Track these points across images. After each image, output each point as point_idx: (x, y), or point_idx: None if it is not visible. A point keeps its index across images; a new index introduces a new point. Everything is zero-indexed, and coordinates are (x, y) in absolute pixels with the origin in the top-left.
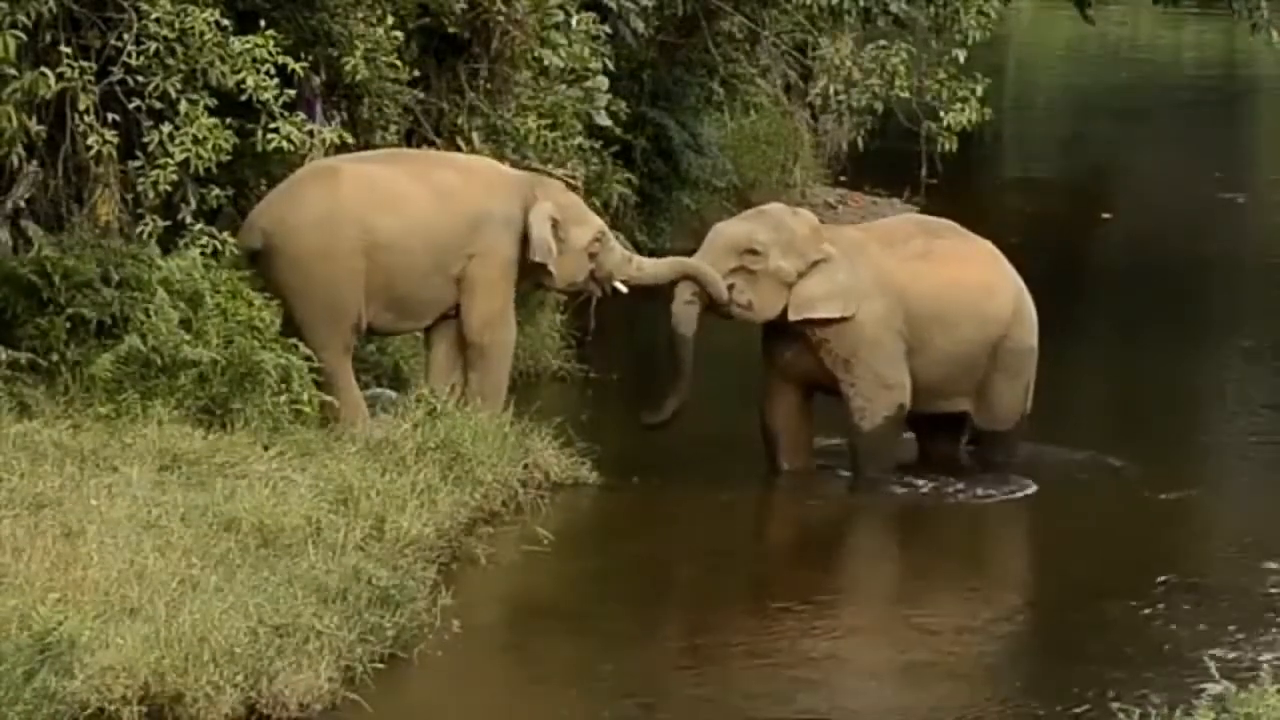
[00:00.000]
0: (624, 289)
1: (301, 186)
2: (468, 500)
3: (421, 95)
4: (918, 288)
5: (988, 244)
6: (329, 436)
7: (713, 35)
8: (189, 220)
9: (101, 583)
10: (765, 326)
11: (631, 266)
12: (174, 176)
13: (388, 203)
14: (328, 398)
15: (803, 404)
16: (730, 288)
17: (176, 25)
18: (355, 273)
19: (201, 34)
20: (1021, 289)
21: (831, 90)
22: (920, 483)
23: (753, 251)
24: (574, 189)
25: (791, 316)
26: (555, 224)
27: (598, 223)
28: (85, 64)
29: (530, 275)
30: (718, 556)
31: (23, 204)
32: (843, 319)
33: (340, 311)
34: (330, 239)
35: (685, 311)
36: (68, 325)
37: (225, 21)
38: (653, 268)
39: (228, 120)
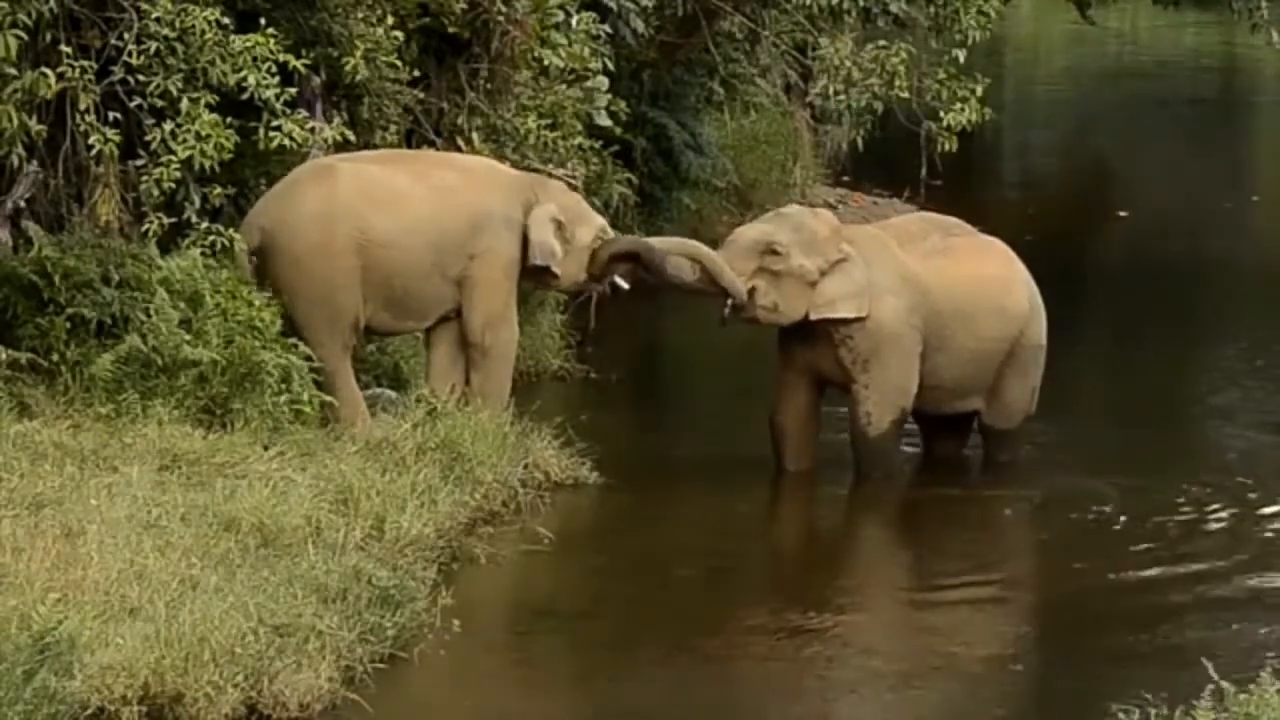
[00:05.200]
0: (625, 285)
1: (299, 185)
2: (468, 500)
3: (421, 95)
4: (941, 284)
5: (999, 241)
6: (329, 436)
7: (713, 35)
8: (193, 219)
9: (101, 583)
10: (785, 325)
11: (644, 242)
12: (177, 174)
13: (385, 202)
14: (328, 398)
15: (813, 404)
16: (753, 291)
17: (177, 24)
18: (352, 271)
19: (202, 33)
20: (1034, 286)
21: (831, 90)
22: (923, 483)
23: (773, 252)
24: (574, 189)
25: (813, 316)
26: (559, 225)
27: (599, 220)
28: (86, 63)
29: (534, 275)
30: (718, 556)
31: (23, 204)
32: (863, 318)
33: (338, 310)
34: (327, 237)
35: (680, 262)
36: (68, 325)
37: (226, 21)
38: (660, 244)
39: (229, 119)
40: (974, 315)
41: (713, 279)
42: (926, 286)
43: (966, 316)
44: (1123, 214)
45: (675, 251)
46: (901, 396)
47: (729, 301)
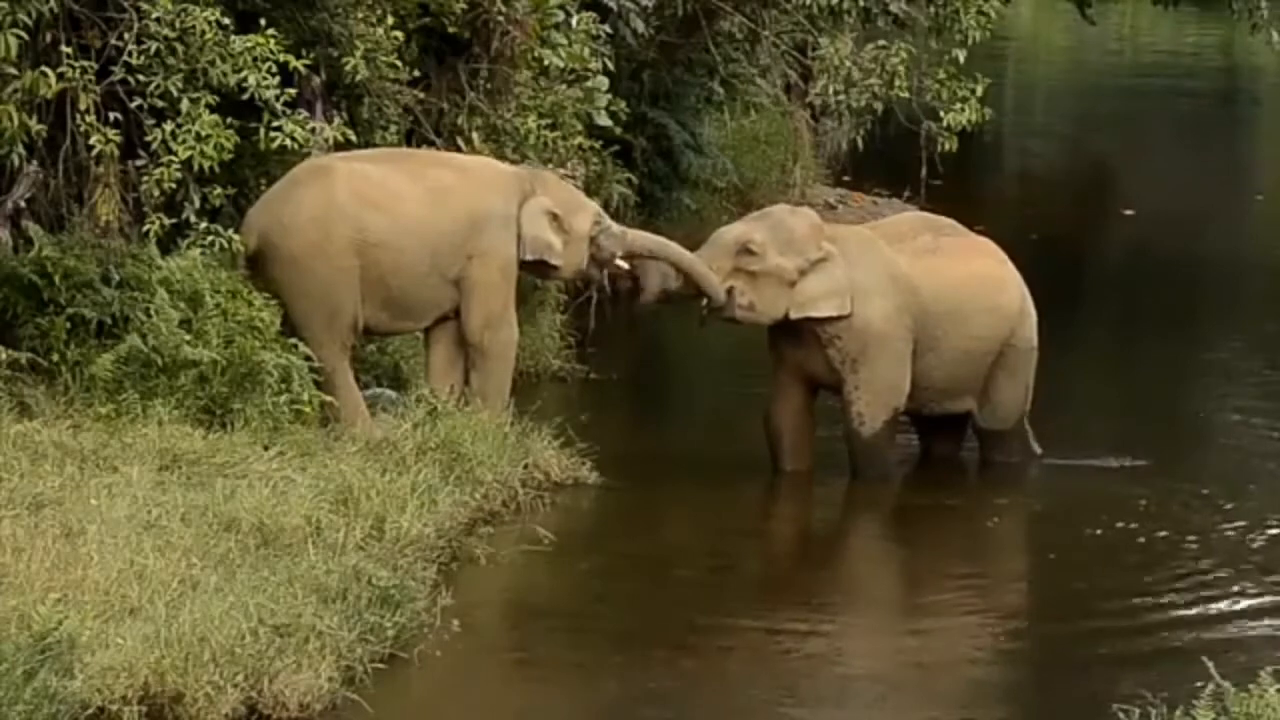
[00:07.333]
0: (625, 265)
1: (296, 185)
2: (468, 500)
3: (421, 95)
4: (931, 283)
5: (990, 241)
6: (329, 436)
7: (713, 35)
8: (193, 219)
9: (101, 583)
10: (772, 326)
11: (628, 239)
12: (178, 174)
13: (381, 201)
14: (329, 398)
15: (808, 405)
16: (731, 290)
17: (177, 25)
18: (348, 271)
19: (202, 33)
20: (1025, 286)
21: (831, 90)
22: (919, 483)
23: (749, 251)
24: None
25: (793, 315)
26: (555, 217)
27: (593, 206)
28: (86, 63)
29: (536, 268)
30: (718, 557)
31: (23, 204)
32: (847, 317)
33: (336, 310)
34: (324, 237)
35: (657, 267)
36: (68, 325)
37: (226, 21)
38: (644, 240)
39: (229, 119)
40: (966, 315)
41: (691, 280)
42: (916, 286)
43: (957, 315)
44: (1128, 212)
45: (655, 255)
46: (894, 396)
47: (705, 301)
